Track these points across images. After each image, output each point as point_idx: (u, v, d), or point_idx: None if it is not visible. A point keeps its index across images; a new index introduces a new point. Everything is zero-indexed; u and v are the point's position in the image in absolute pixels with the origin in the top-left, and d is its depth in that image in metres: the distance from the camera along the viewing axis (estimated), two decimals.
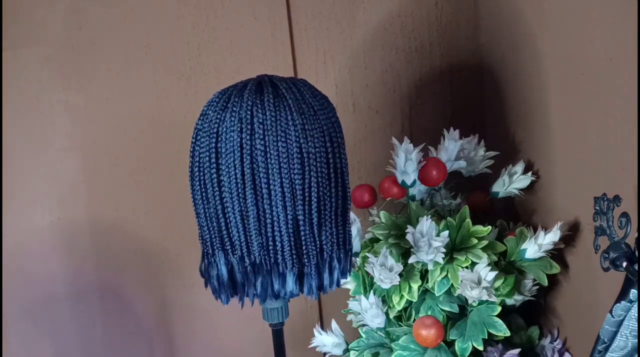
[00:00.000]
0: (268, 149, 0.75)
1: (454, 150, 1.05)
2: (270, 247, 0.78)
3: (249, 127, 0.76)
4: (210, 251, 0.81)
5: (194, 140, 0.80)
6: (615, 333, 0.74)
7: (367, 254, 1.01)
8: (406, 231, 0.97)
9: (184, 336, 1.30)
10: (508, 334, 0.96)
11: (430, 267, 0.97)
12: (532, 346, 1.04)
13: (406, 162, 1.02)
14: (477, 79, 1.24)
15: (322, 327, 1.14)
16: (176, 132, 1.20)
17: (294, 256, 0.78)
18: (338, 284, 0.83)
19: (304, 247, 0.78)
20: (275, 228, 0.77)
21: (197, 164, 0.79)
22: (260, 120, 0.76)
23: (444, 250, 0.95)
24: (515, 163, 1.06)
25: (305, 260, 0.78)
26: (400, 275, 0.98)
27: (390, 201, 1.08)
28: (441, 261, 0.96)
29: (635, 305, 0.72)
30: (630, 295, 0.71)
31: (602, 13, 0.83)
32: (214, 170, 0.77)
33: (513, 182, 1.05)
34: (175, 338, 1.30)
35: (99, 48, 1.17)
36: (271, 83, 0.79)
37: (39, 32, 1.16)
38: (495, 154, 1.08)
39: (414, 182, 1.03)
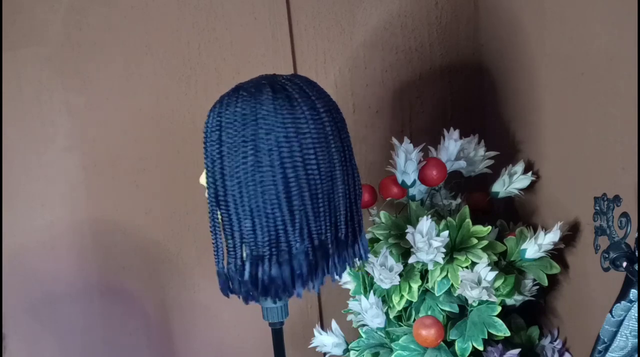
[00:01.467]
0: (341, 133, 0.82)
1: (454, 150, 1.05)
2: (349, 220, 0.83)
3: (329, 114, 0.80)
4: (283, 247, 0.79)
5: (247, 140, 0.77)
6: (615, 333, 0.74)
7: None
8: (406, 231, 0.97)
9: (185, 335, 1.30)
10: (508, 334, 0.96)
11: (430, 267, 0.97)
12: (532, 346, 1.04)
13: (406, 162, 1.02)
14: (477, 79, 1.24)
15: (322, 327, 1.14)
16: (176, 132, 1.20)
17: (349, 229, 0.84)
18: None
19: (355, 221, 0.85)
20: (348, 202, 0.83)
21: (269, 165, 0.77)
22: (328, 108, 0.81)
23: (444, 250, 0.95)
24: (515, 163, 1.06)
25: (358, 230, 0.86)
26: (400, 275, 0.98)
27: (390, 201, 1.08)
28: (441, 261, 0.96)
29: (635, 305, 0.72)
30: (630, 295, 0.71)
31: (602, 13, 0.83)
32: (299, 163, 0.77)
33: (513, 182, 1.05)
34: (175, 337, 1.30)
35: (99, 48, 1.17)
36: (288, 80, 0.83)
37: (39, 32, 1.16)
38: (495, 154, 1.08)
39: (414, 182, 1.03)
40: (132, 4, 1.16)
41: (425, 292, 1.01)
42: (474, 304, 0.98)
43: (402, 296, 0.99)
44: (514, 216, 1.13)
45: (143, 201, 1.23)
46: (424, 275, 0.99)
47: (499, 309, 0.97)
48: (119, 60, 1.18)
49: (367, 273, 1.03)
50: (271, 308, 0.87)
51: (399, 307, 1.00)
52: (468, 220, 0.99)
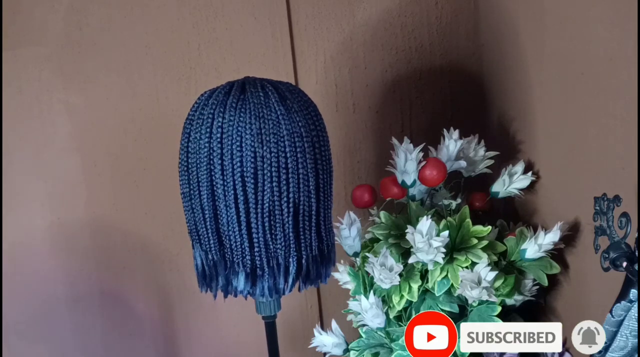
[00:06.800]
0: (223, 152, 0.77)
1: (454, 150, 1.05)
2: (227, 246, 0.80)
3: (208, 129, 0.78)
4: (192, 242, 0.85)
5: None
6: (615, 333, 0.74)
7: (367, 254, 1.01)
8: (406, 231, 0.97)
9: (185, 335, 1.30)
10: None
11: (430, 267, 0.97)
12: None
13: (406, 162, 1.02)
14: (477, 79, 1.24)
15: (322, 327, 1.14)
16: (176, 132, 1.19)
17: (247, 257, 0.80)
18: (299, 289, 0.85)
19: (256, 250, 0.79)
20: (229, 228, 0.79)
21: (179, 161, 0.84)
22: (219, 124, 0.78)
23: (444, 250, 0.95)
24: (515, 163, 1.06)
25: (258, 262, 0.80)
26: (400, 275, 0.98)
27: (390, 201, 1.08)
28: (441, 261, 0.95)
29: (635, 305, 0.72)
30: (630, 295, 0.71)
31: (602, 13, 0.83)
32: (185, 168, 0.82)
33: (513, 182, 1.05)
34: (175, 337, 1.30)
35: (99, 48, 1.17)
36: (242, 86, 0.81)
37: (39, 32, 1.16)
38: (495, 154, 1.08)
39: (414, 182, 1.03)
40: (132, 4, 1.16)
41: (425, 292, 1.01)
42: (474, 304, 0.98)
43: (402, 296, 0.98)
44: (514, 216, 1.13)
45: (143, 201, 1.23)
46: (424, 275, 0.99)
47: (499, 309, 0.97)
48: (119, 60, 1.18)
49: (367, 273, 1.03)
50: (264, 302, 0.88)
51: (399, 307, 1.00)
52: (468, 220, 0.99)
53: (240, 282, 0.80)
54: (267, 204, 0.78)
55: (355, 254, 1.07)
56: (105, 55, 1.18)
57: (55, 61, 1.17)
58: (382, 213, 1.04)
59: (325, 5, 1.19)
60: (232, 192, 0.78)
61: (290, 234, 0.80)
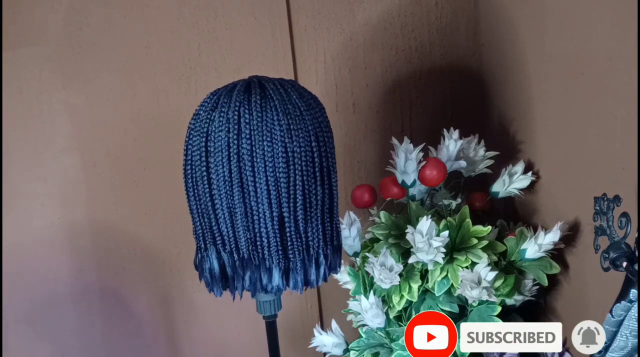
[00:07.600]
0: (254, 149, 0.78)
1: (454, 150, 1.05)
2: (258, 243, 0.80)
3: (235, 127, 0.78)
4: (203, 245, 0.84)
5: (187, 139, 0.82)
6: (615, 333, 0.74)
7: (367, 254, 1.01)
8: (406, 231, 0.97)
9: (185, 336, 1.30)
10: None
11: (430, 267, 0.97)
12: None
13: (406, 162, 1.02)
14: (477, 79, 1.24)
15: (322, 327, 1.14)
16: (176, 132, 1.20)
17: (280, 252, 0.80)
18: (325, 279, 0.86)
19: (289, 243, 0.80)
20: (261, 224, 0.79)
21: (189, 162, 0.82)
22: (247, 121, 0.78)
23: (444, 250, 0.95)
24: (515, 163, 1.06)
25: (291, 255, 0.81)
26: (400, 275, 0.98)
27: (390, 201, 1.08)
28: (441, 261, 0.96)
29: (635, 305, 0.72)
30: (630, 295, 0.71)
31: (602, 13, 0.83)
32: (204, 168, 0.80)
33: (513, 182, 1.05)
34: (175, 337, 1.30)
35: (99, 48, 1.17)
36: (259, 84, 0.81)
37: (39, 32, 1.16)
38: (495, 154, 1.08)
39: (414, 182, 1.03)
40: (132, 4, 1.16)
41: (425, 292, 1.01)
42: (474, 304, 0.98)
43: (402, 296, 0.99)
44: (514, 216, 1.13)
45: (143, 201, 1.23)
46: (424, 275, 0.99)
47: (499, 309, 0.97)
48: (119, 60, 1.18)
49: (367, 273, 1.03)
50: (264, 302, 0.89)
51: (399, 307, 1.00)
52: (468, 220, 0.99)
53: (275, 277, 0.81)
54: (299, 198, 0.79)
55: (355, 254, 1.07)
56: (105, 55, 1.18)
57: (55, 61, 1.17)
58: (382, 213, 1.04)
59: (325, 5, 1.19)
60: (265, 188, 0.78)
61: (319, 226, 0.82)
